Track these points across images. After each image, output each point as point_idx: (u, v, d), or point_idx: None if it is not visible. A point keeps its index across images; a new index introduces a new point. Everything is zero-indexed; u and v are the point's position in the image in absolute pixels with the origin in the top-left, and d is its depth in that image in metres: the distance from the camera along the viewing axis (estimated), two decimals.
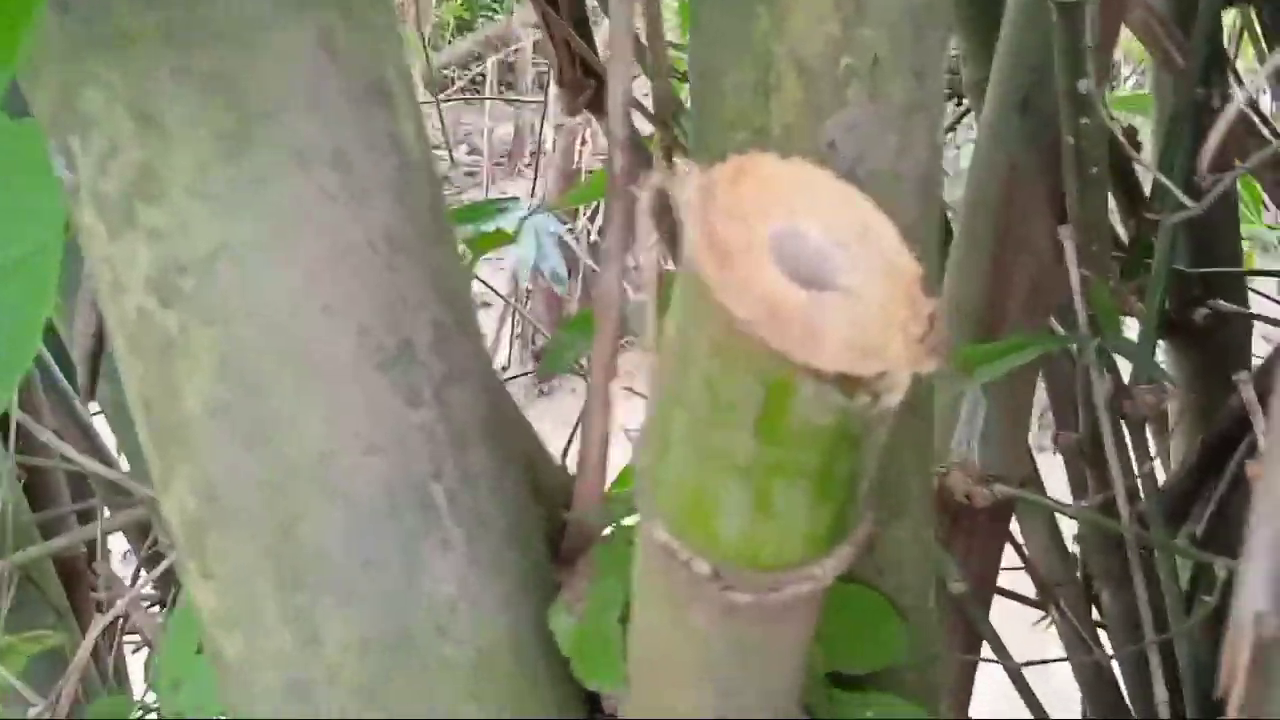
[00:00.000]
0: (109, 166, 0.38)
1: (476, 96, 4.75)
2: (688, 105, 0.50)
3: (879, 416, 0.29)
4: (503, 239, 0.90)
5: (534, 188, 2.95)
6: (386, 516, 0.38)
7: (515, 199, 1.66)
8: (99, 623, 0.99)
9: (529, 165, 5.15)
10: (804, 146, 0.44)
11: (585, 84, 1.15)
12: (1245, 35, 1.35)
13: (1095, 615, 1.21)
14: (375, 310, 0.38)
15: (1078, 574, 1.21)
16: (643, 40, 0.71)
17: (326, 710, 0.39)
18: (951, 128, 1.34)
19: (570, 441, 1.04)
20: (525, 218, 1.56)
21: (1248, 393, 0.76)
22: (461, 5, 5.37)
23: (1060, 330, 1.03)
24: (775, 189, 0.27)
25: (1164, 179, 0.81)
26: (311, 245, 0.37)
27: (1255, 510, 0.31)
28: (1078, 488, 1.16)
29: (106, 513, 1.19)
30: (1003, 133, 0.90)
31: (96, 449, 1.33)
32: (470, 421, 0.40)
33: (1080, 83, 0.80)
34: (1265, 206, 2.03)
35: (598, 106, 1.14)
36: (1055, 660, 1.16)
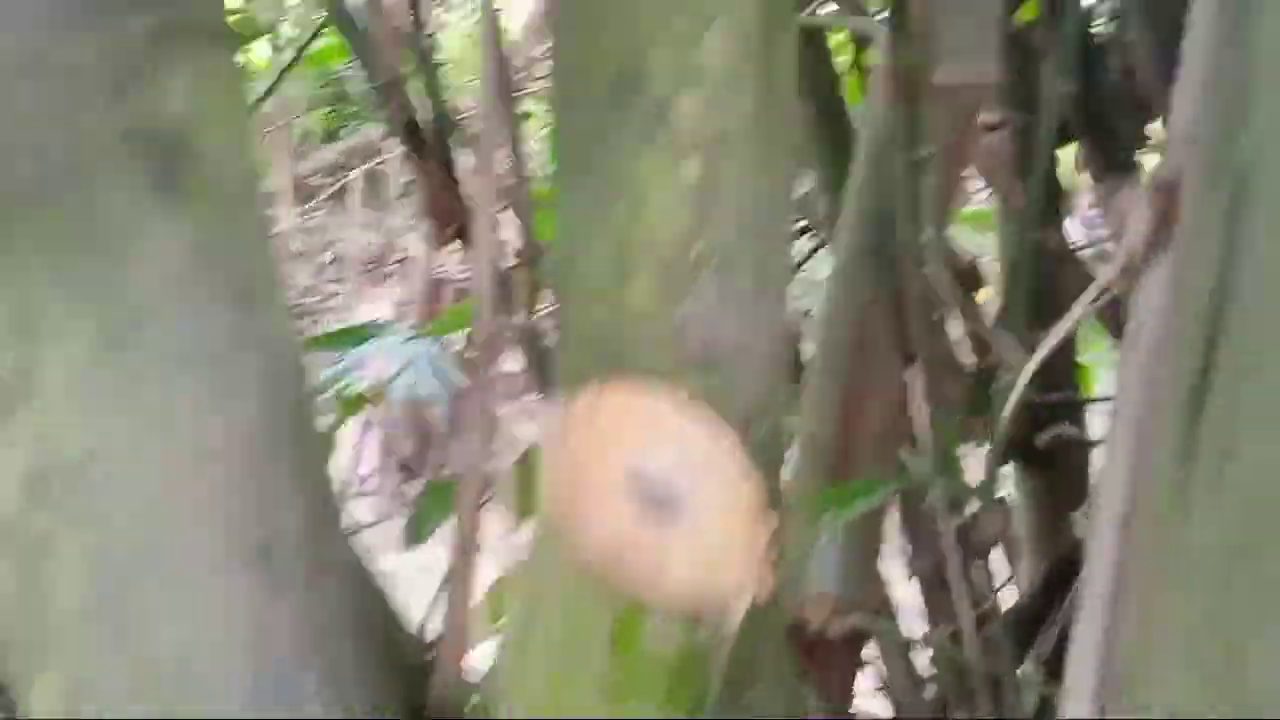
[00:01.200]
0: None
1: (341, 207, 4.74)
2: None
3: (722, 639, 0.31)
4: (361, 404, 0.91)
5: (406, 308, 2.94)
6: (253, 711, 0.39)
7: (388, 323, 1.65)
8: None
9: (395, 273, 5.14)
10: (657, 328, 0.47)
11: (454, 213, 1.17)
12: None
13: None
14: (243, 508, 0.39)
15: (935, 703, 1.24)
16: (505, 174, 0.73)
17: None
18: (802, 264, 1.39)
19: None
20: (393, 340, 1.56)
21: (1081, 529, 0.79)
22: (328, 114, 5.37)
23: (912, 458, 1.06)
24: (630, 418, 0.29)
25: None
26: (182, 446, 0.38)
27: (1078, 616, 0.33)
28: (934, 611, 1.19)
29: None
30: (854, 275, 0.94)
31: None
32: (337, 611, 0.41)
33: (923, 233, 0.85)
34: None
35: (466, 236, 1.16)
36: None
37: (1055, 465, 1.28)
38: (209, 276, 0.38)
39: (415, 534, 0.46)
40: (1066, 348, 1.30)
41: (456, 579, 0.47)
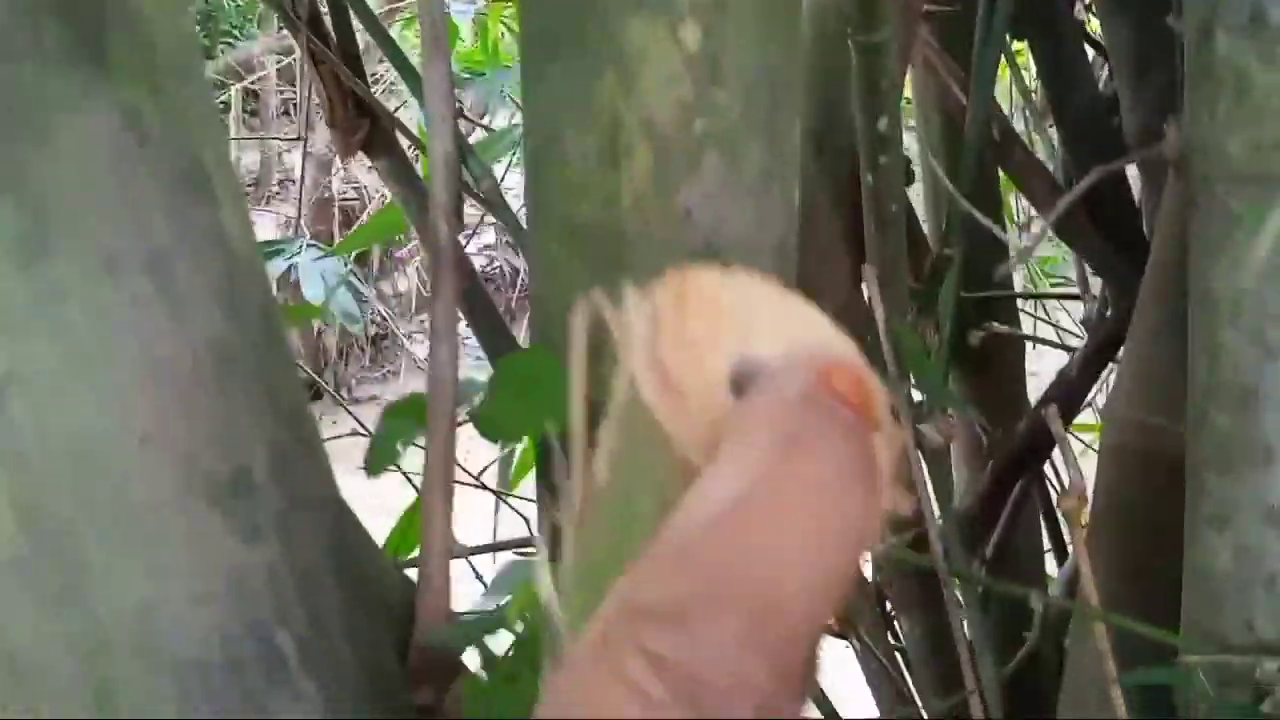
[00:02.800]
0: None
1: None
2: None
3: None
4: (313, 312, 0.84)
5: (298, 222, 2.84)
6: (225, 675, 0.33)
7: (290, 240, 1.58)
8: None
9: (277, 195, 4.99)
10: (657, 216, 0.41)
11: (359, 123, 1.10)
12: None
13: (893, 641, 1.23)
14: (203, 436, 0.32)
15: (875, 601, 1.22)
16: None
17: None
18: None
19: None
20: (305, 257, 1.49)
21: (1056, 427, 0.76)
22: (201, 34, 5.17)
23: None
24: (723, 309, 0.24)
25: (985, 205, 0.81)
26: (124, 366, 0.31)
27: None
28: None
29: None
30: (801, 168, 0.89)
31: None
32: (317, 555, 0.35)
33: (880, 122, 0.80)
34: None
35: (372, 145, 1.09)
36: None
37: (989, 365, 1.26)
38: (147, 161, 0.32)
39: (375, 460, 0.41)
40: (995, 246, 1.27)
41: (433, 508, 0.41)
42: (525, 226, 0.46)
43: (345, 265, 1.62)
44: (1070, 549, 1.26)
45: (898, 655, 1.22)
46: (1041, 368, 1.53)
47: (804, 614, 0.23)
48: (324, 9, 1.01)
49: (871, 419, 0.24)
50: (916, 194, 1.33)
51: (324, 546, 0.36)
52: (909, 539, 0.96)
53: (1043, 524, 1.27)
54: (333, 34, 1.02)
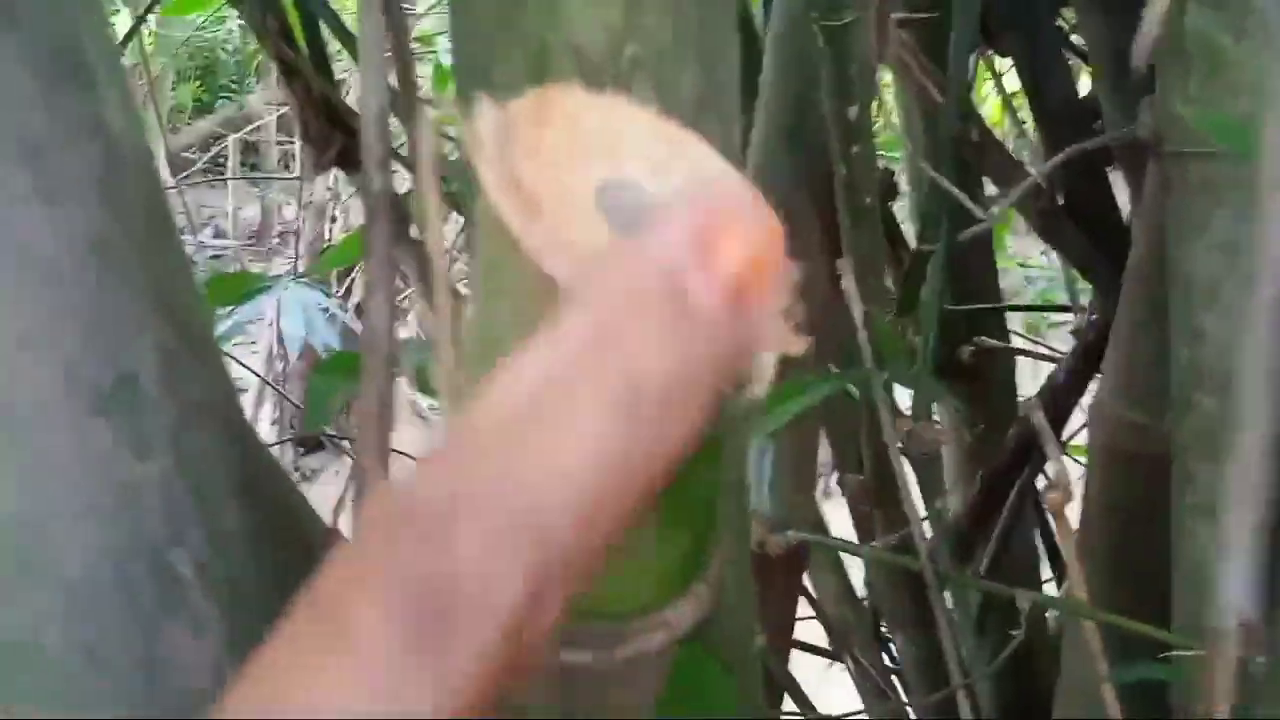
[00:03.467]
0: None
1: (220, 178, 4.59)
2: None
3: (742, 412, 0.24)
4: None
5: (295, 265, 2.84)
6: (115, 595, 0.31)
7: (277, 276, 1.58)
8: None
9: (278, 244, 5.00)
10: None
11: (332, 138, 1.09)
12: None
13: (887, 661, 1.20)
14: (84, 339, 0.31)
15: (869, 620, 1.20)
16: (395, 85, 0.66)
17: None
18: None
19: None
20: (288, 290, 1.48)
21: (1038, 418, 0.74)
22: (199, 87, 5.21)
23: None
24: (586, 128, 0.23)
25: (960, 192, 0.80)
26: None
27: (1229, 505, 0.27)
28: (862, 533, 1.14)
29: None
30: (771, 172, 0.88)
31: None
32: (216, 471, 0.33)
33: (849, 109, 0.79)
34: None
35: (346, 161, 1.08)
36: (857, 714, 1.13)
37: (978, 380, 1.24)
38: (19, 42, 0.30)
39: (309, 419, 0.39)
40: (986, 254, 1.26)
41: (366, 451, 0.39)
42: None
43: (329, 296, 1.61)
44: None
45: (894, 678, 1.19)
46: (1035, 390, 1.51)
47: (575, 528, 0.21)
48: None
49: (763, 271, 0.22)
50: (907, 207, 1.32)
51: (224, 464, 0.34)
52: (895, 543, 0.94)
53: (1039, 539, 1.24)
54: (304, 47, 1.02)
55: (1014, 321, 1.57)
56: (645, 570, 0.25)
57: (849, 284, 0.83)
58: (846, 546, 0.90)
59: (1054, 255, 1.83)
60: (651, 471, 0.22)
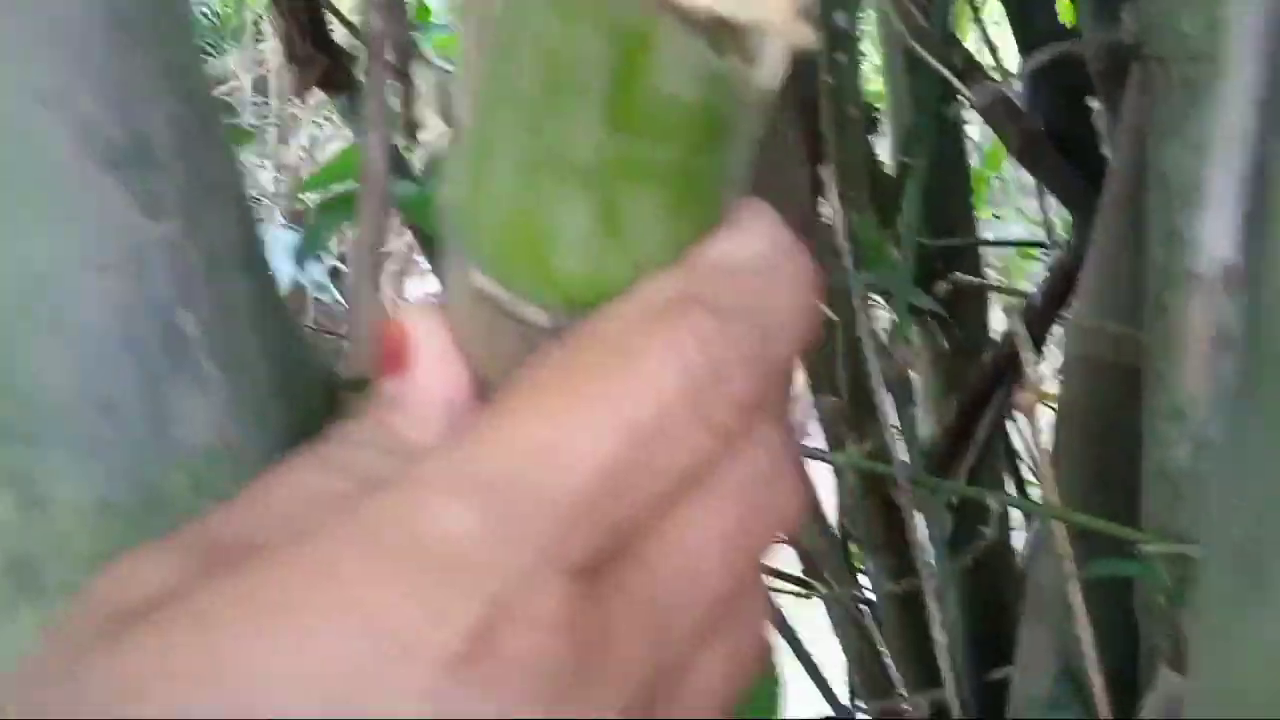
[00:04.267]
0: None
1: None
2: None
3: (752, 95, 0.25)
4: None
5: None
6: (122, 350, 0.32)
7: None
8: None
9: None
10: None
11: (317, 59, 1.09)
12: None
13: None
14: (99, 98, 0.31)
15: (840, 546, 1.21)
16: None
17: (58, 590, 0.32)
18: None
19: None
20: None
21: (1014, 323, 0.76)
22: None
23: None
24: None
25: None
26: (14, 21, 0.30)
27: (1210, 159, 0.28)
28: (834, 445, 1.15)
29: None
30: None
31: None
32: (225, 243, 0.34)
33: (837, 16, 0.80)
34: None
35: (329, 82, 1.09)
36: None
37: (954, 316, 1.26)
38: None
39: (306, 245, 0.40)
40: (962, 190, 1.27)
41: (361, 266, 0.40)
42: None
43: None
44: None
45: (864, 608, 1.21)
46: None
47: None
48: None
49: None
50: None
51: (231, 236, 0.34)
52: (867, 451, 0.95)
53: (1015, 460, 1.26)
54: None
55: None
56: (651, 263, 0.27)
57: (833, 190, 0.84)
58: (822, 455, 0.91)
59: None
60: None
